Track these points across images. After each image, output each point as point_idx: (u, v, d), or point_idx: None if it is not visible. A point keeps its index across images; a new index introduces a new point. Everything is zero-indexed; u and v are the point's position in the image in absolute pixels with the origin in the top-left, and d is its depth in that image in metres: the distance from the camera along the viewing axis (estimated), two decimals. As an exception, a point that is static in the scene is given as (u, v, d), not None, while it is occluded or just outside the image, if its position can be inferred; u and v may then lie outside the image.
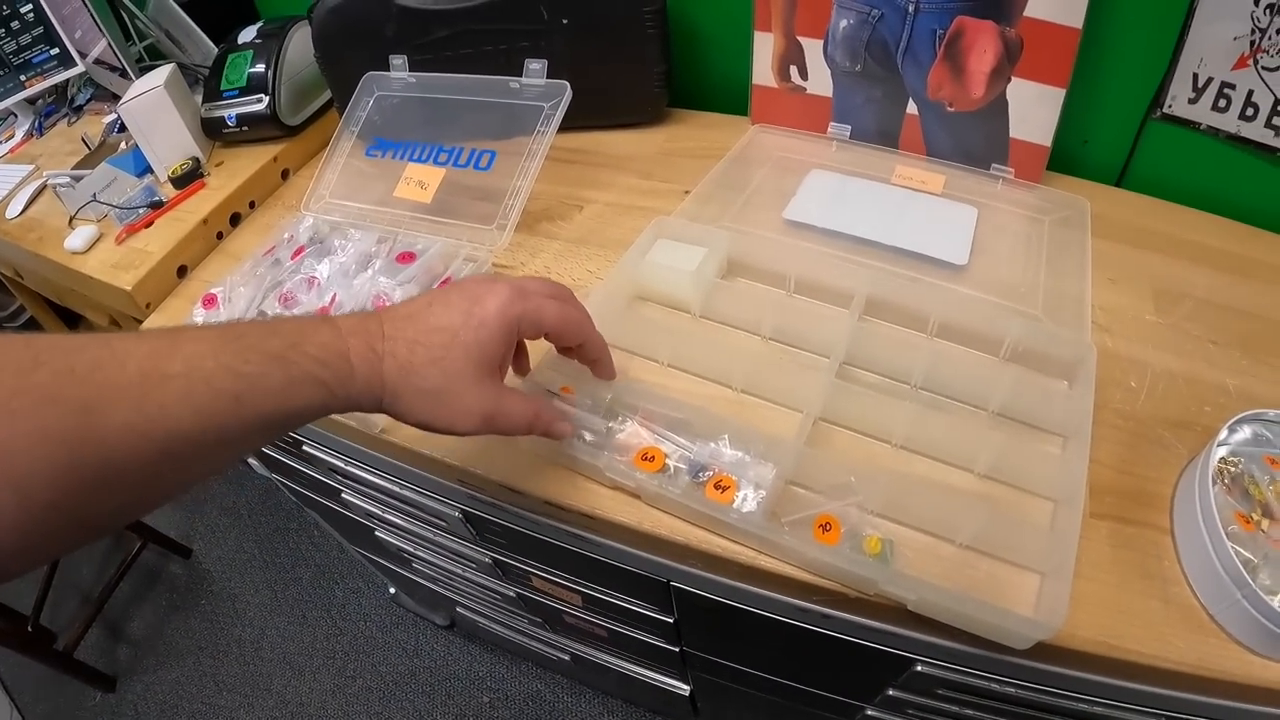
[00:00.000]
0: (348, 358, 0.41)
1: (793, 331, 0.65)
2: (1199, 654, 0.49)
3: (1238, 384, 0.64)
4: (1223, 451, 0.58)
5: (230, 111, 0.93)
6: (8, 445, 0.30)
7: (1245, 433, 0.58)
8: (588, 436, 0.57)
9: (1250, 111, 0.74)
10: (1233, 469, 0.57)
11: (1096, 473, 0.57)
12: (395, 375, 0.42)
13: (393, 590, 1.31)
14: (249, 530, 1.63)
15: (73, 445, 0.31)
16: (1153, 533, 0.54)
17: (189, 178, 0.93)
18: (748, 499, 0.54)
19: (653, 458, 0.56)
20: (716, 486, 0.54)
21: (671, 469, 0.56)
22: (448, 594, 1.07)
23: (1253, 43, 0.70)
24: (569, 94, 0.74)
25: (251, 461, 1.01)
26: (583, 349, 0.54)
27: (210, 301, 0.76)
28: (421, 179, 0.79)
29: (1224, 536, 0.49)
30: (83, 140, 1.09)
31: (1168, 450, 0.59)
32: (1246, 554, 0.51)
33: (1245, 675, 0.48)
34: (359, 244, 0.76)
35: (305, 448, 0.81)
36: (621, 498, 0.58)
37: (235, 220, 0.92)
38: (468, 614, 1.13)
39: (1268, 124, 0.74)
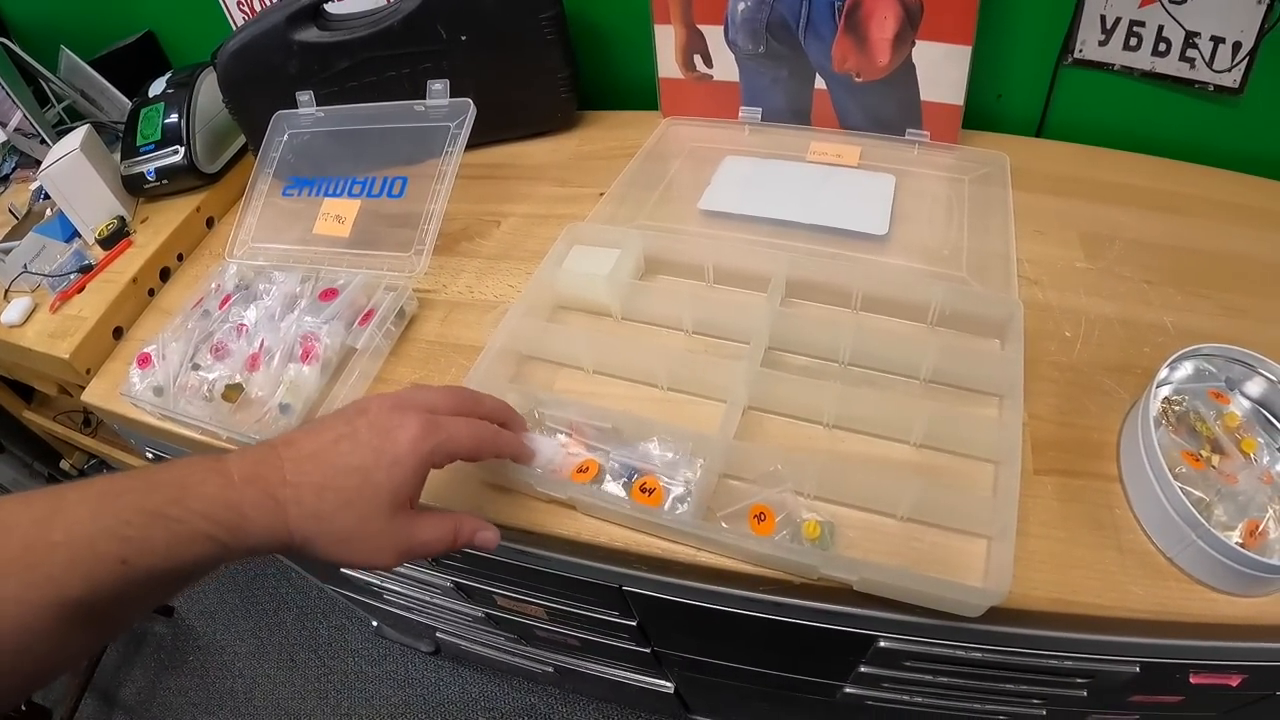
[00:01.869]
0: (240, 509, 0.38)
1: (715, 323, 0.62)
2: (1159, 599, 0.47)
3: (1175, 320, 0.62)
4: (1165, 391, 0.56)
5: (149, 166, 0.90)
6: None
7: (1187, 369, 0.57)
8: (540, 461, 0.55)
9: (1162, 47, 0.73)
10: (1177, 408, 0.55)
11: (1038, 428, 0.55)
12: (303, 522, 0.40)
13: (375, 623, 1.29)
14: (228, 580, 1.60)
15: None
16: (1101, 482, 0.53)
17: (115, 237, 0.90)
18: (680, 499, 0.52)
19: (587, 469, 0.54)
20: (643, 490, 0.52)
21: (606, 477, 0.54)
22: (425, 621, 1.05)
23: (1157, -23, 0.69)
24: (473, 111, 0.72)
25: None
26: (510, 458, 0.52)
27: (144, 361, 0.73)
28: (339, 213, 0.76)
29: (1171, 479, 0.47)
30: (10, 210, 1.06)
31: (1109, 397, 0.57)
32: (1198, 493, 0.49)
33: (1210, 614, 0.47)
34: (283, 286, 0.74)
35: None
36: (559, 510, 0.55)
37: (165, 275, 0.89)
38: (449, 638, 1.11)
39: (1182, 57, 0.73)
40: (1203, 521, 0.45)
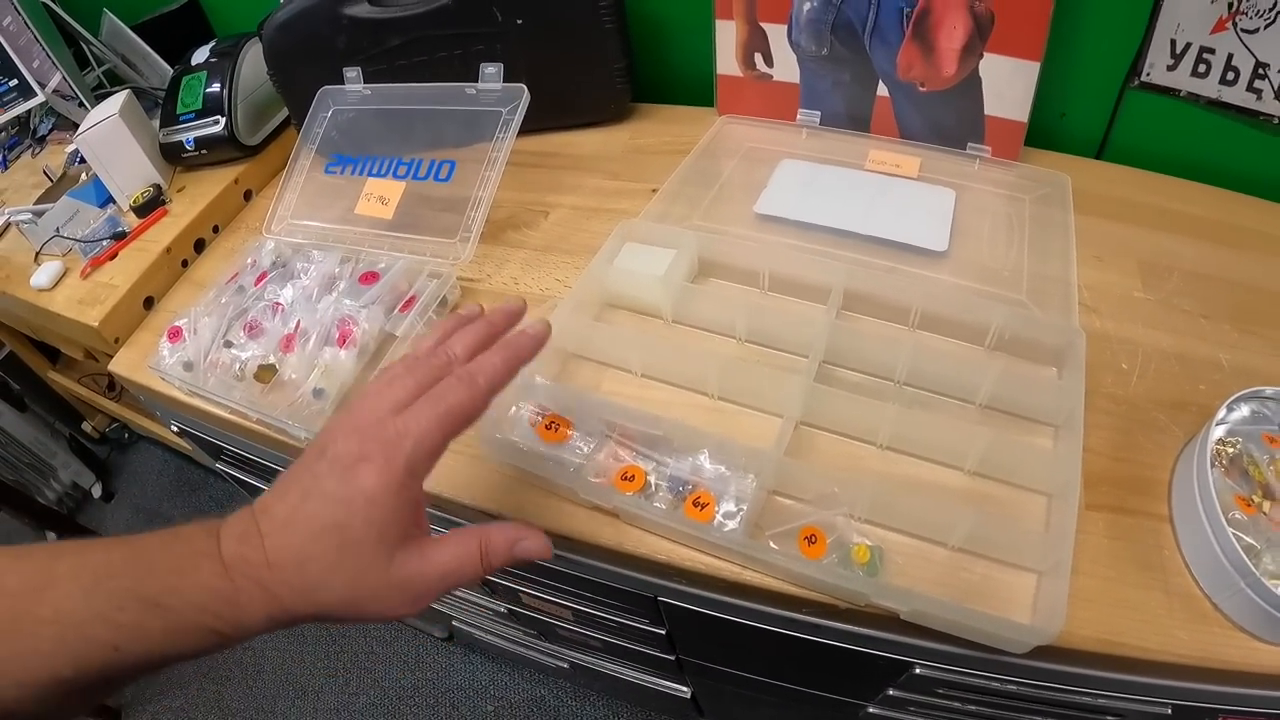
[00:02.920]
0: (236, 601, 0.36)
1: (769, 332, 0.61)
2: (1203, 645, 0.46)
3: (1231, 358, 0.61)
4: (1220, 431, 0.55)
5: (188, 135, 0.89)
6: None
7: (1243, 411, 0.55)
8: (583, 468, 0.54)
9: (1231, 76, 0.71)
10: (1231, 450, 0.54)
11: (1091, 462, 0.54)
12: (297, 603, 0.36)
13: (390, 605, 1.29)
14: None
15: None
16: (1151, 521, 0.52)
17: (151, 205, 0.89)
18: (729, 515, 0.51)
19: (632, 477, 0.53)
20: (696, 504, 0.51)
21: (652, 487, 0.53)
22: (441, 609, 1.05)
23: (1231, 5, 0.67)
24: (527, 97, 0.70)
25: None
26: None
27: (175, 334, 0.72)
28: (382, 194, 0.75)
29: (1224, 523, 0.46)
30: (44, 173, 1.05)
31: (1163, 433, 0.56)
32: (1248, 539, 0.48)
33: (1252, 663, 0.46)
34: (321, 266, 0.73)
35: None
36: (600, 517, 0.55)
37: (200, 246, 0.89)
38: (464, 627, 1.11)
39: (1249, 87, 0.71)
40: (1253, 569, 0.45)
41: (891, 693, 0.64)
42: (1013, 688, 0.56)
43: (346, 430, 0.39)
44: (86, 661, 0.33)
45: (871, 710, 0.71)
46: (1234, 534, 0.46)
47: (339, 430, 0.39)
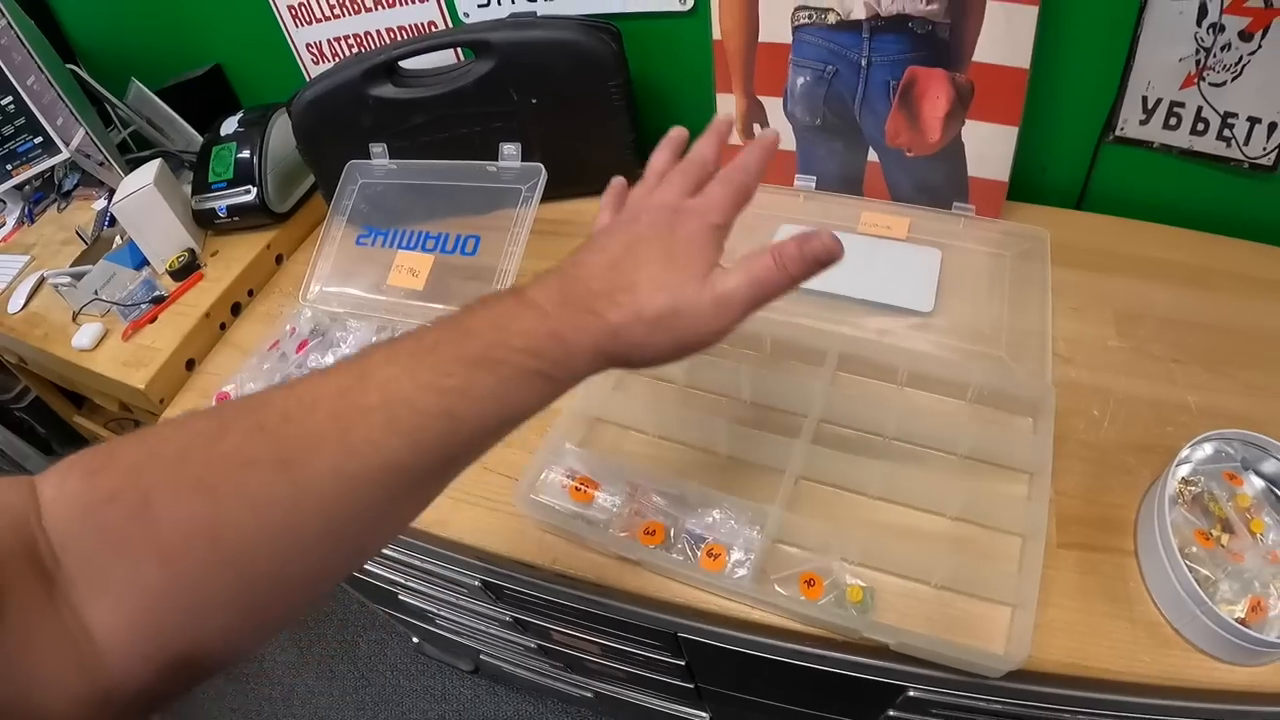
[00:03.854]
0: (562, 337, 0.39)
1: (771, 394, 0.73)
2: (1165, 666, 0.57)
3: (1199, 400, 0.71)
4: (1184, 471, 0.65)
5: (220, 203, 1.02)
6: (216, 521, 0.29)
7: (1206, 450, 0.65)
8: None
9: (1201, 127, 0.82)
10: (1193, 488, 0.64)
11: (1063, 504, 0.65)
12: (626, 322, 0.40)
13: (416, 640, 1.40)
14: (269, 589, 1.71)
15: (284, 504, 0.31)
16: (1118, 556, 0.62)
17: (186, 270, 1.02)
18: (739, 563, 0.63)
19: (654, 532, 0.65)
20: (710, 555, 0.63)
21: (671, 539, 0.65)
22: (470, 644, 1.17)
23: (1198, 62, 0.78)
24: (544, 176, 0.83)
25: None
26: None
27: (223, 399, 0.85)
28: (412, 266, 0.88)
29: (1180, 558, 0.56)
30: (77, 233, 1.18)
31: (1131, 475, 0.67)
32: (1205, 571, 0.58)
33: (1211, 681, 0.56)
34: (359, 334, 0.85)
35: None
36: (626, 565, 0.66)
37: (236, 310, 1.01)
38: (491, 660, 1.23)
39: (1219, 136, 0.82)
40: (1206, 599, 0.55)
41: (891, 714, 0.76)
42: (997, 707, 0.67)
43: (652, 206, 0.46)
44: (422, 437, 0.34)
45: (877, 731, 0.83)
46: (1191, 566, 0.57)
47: (637, 209, 0.47)
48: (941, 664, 0.60)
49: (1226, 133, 0.81)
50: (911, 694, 0.69)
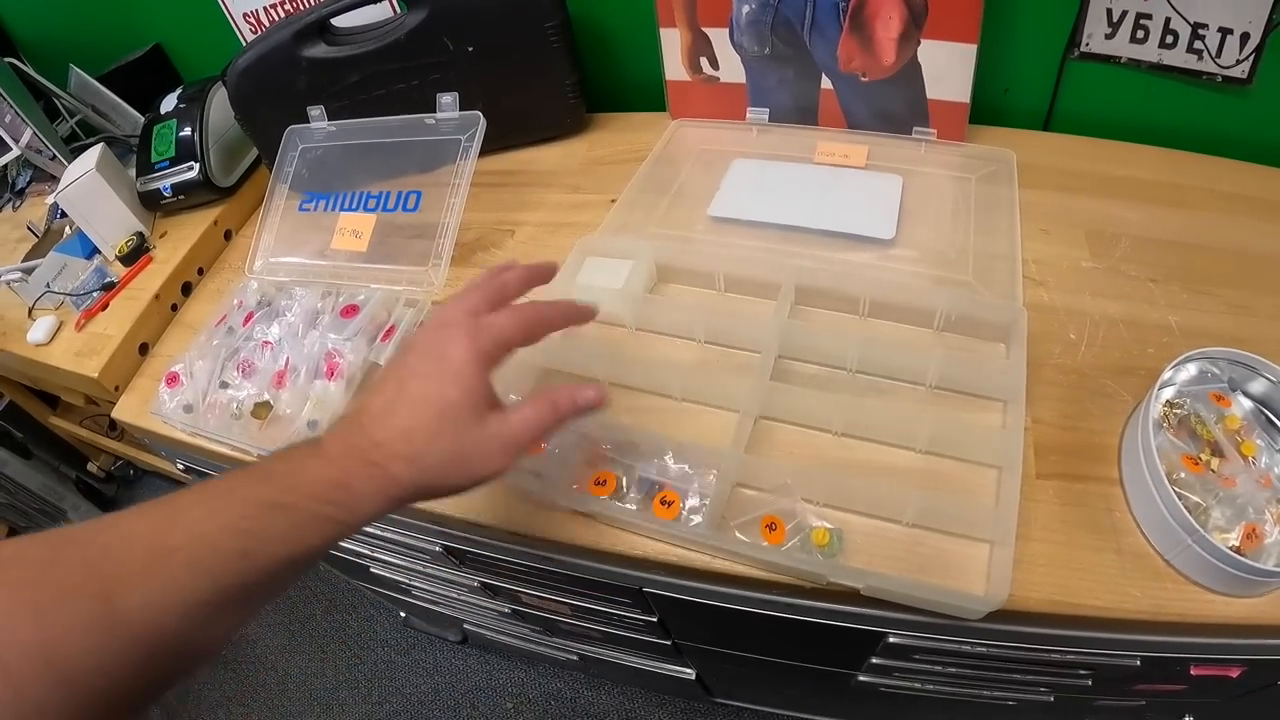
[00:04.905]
0: (348, 485, 0.41)
1: (726, 332, 0.66)
2: (1156, 600, 0.50)
3: (1180, 320, 0.65)
4: (1167, 394, 0.58)
5: (165, 182, 0.94)
6: (49, 643, 0.31)
7: (1190, 370, 0.59)
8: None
9: (1170, 39, 0.75)
10: (1179, 411, 0.57)
11: (1040, 432, 0.58)
12: (406, 470, 0.42)
13: (403, 614, 1.35)
14: (256, 577, 1.66)
15: (103, 632, 0.33)
16: (1102, 485, 0.56)
17: (136, 254, 0.95)
18: (694, 510, 0.56)
19: (604, 481, 0.58)
20: (663, 502, 0.56)
21: (624, 489, 0.58)
22: (453, 614, 1.11)
23: (1164, -31, 0.70)
24: (483, 124, 0.75)
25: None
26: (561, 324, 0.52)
27: (173, 379, 0.78)
28: (355, 228, 0.80)
29: (1168, 485, 0.50)
30: (29, 228, 1.10)
31: (1112, 399, 0.60)
32: (1195, 498, 0.52)
33: (1207, 614, 0.50)
34: (304, 302, 0.78)
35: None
36: (580, 520, 0.60)
37: (187, 290, 0.94)
38: (476, 629, 1.17)
39: (1189, 49, 0.74)
40: (1198, 527, 0.48)
41: (874, 661, 0.69)
42: (982, 649, 0.61)
43: (432, 327, 0.46)
44: (222, 575, 0.36)
45: (862, 679, 0.76)
46: (1180, 493, 0.50)
47: (424, 330, 0.47)
48: (918, 608, 0.53)
49: (1197, 44, 0.74)
50: (892, 640, 0.62)
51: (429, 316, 0.52)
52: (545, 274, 0.53)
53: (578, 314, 0.52)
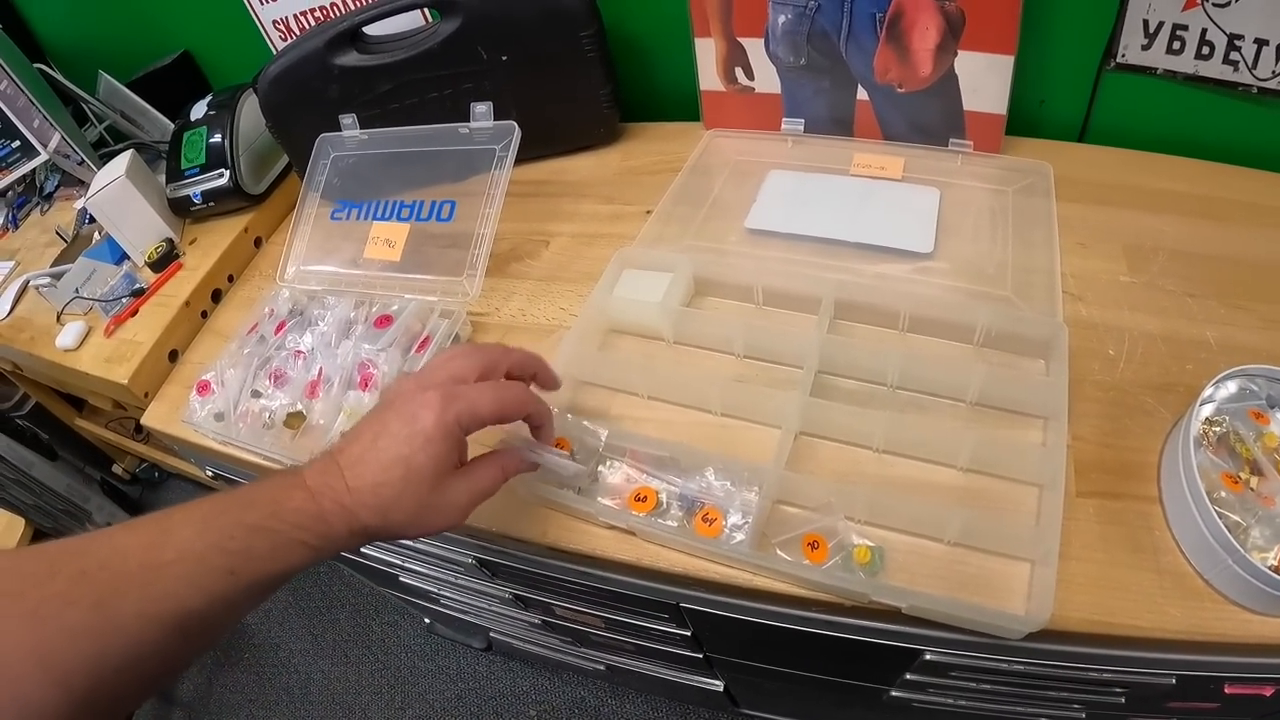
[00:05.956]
0: (324, 518, 0.45)
1: (765, 347, 0.66)
2: (1196, 620, 0.50)
3: (1217, 335, 0.64)
4: (1207, 411, 0.58)
5: (195, 189, 0.95)
6: (44, 647, 0.35)
7: (1230, 388, 0.59)
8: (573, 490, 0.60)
9: (1206, 50, 0.74)
10: (1218, 428, 0.57)
11: (1081, 450, 0.58)
12: (372, 519, 0.46)
13: (428, 621, 1.36)
14: (281, 581, 1.67)
15: (96, 637, 0.36)
16: (1141, 504, 0.56)
17: (165, 260, 0.96)
18: (736, 527, 0.56)
19: (645, 498, 0.58)
20: (705, 519, 0.56)
21: (664, 505, 0.59)
22: (479, 622, 1.11)
23: (1201, -19, 0.70)
24: (518, 134, 0.75)
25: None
26: (529, 417, 0.55)
27: (204, 388, 0.78)
28: (388, 237, 0.81)
29: (1208, 504, 0.50)
30: (57, 233, 1.11)
31: (1151, 417, 0.60)
32: (1235, 517, 0.52)
33: (1246, 635, 0.50)
34: (337, 311, 0.79)
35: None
36: (619, 535, 0.60)
37: (216, 296, 0.95)
38: (502, 637, 1.18)
39: (1225, 60, 0.74)
40: (1238, 547, 0.48)
41: (909, 677, 0.69)
42: (1019, 667, 0.61)
43: (414, 385, 0.49)
44: (210, 589, 0.40)
45: (894, 694, 0.76)
46: (1220, 512, 0.50)
47: (406, 385, 0.50)
48: (959, 626, 0.53)
49: (1234, 56, 0.73)
50: (929, 657, 0.62)
51: (415, 370, 0.55)
52: (547, 379, 0.58)
53: (549, 416, 0.56)
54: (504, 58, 0.82)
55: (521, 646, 1.20)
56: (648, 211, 0.81)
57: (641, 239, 0.77)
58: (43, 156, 1.14)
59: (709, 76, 0.84)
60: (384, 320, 0.76)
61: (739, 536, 0.55)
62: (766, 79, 0.82)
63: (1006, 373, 0.63)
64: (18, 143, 1.15)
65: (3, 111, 1.12)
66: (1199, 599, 0.51)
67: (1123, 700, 0.64)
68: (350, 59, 0.83)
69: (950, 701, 0.74)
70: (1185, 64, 0.76)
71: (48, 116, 1.09)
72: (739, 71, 0.83)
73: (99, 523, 1.78)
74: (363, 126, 0.85)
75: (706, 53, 0.82)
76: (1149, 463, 0.58)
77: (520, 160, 0.77)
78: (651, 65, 0.95)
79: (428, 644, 1.50)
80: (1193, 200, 0.75)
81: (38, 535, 1.31)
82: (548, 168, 0.92)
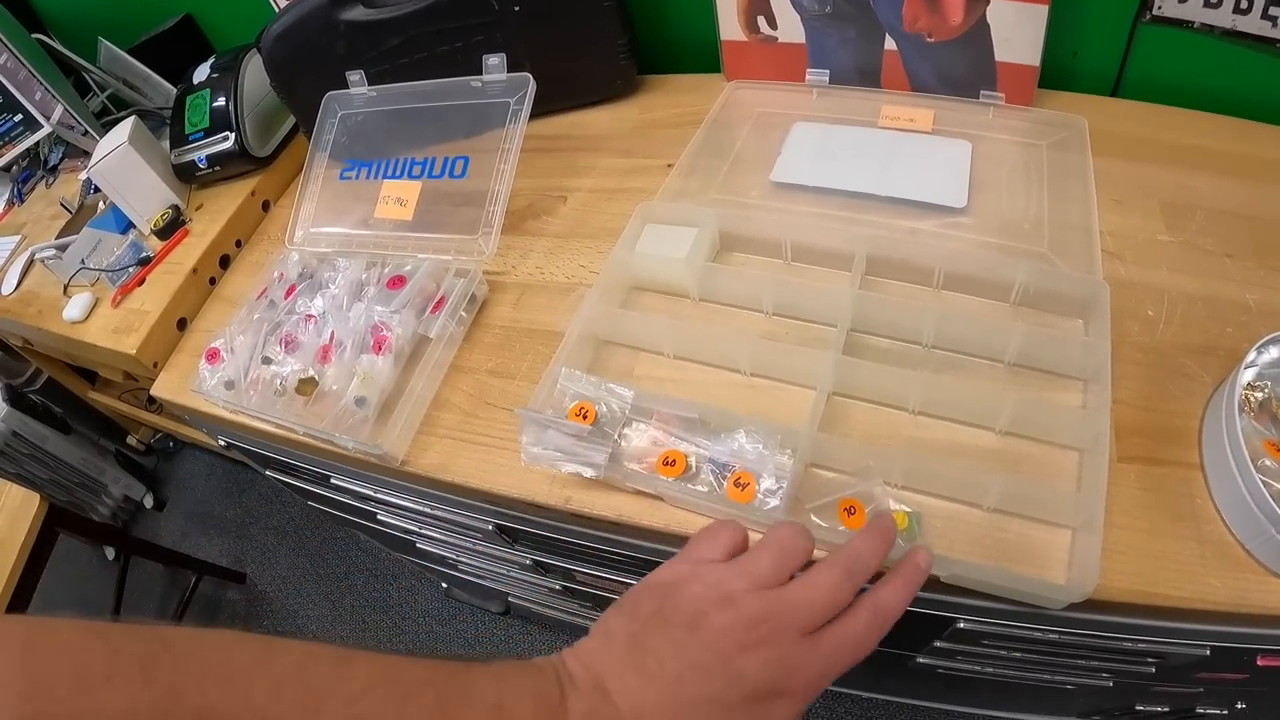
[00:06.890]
0: None
1: (795, 304, 0.63)
2: (1237, 591, 0.47)
3: (1257, 298, 0.61)
4: (1249, 375, 0.55)
5: (199, 154, 0.91)
6: None
7: (1272, 353, 0.55)
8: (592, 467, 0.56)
9: (1245, 4, 0.70)
10: (1259, 394, 0.54)
11: (1120, 413, 0.55)
12: None
13: (445, 585, 1.34)
14: (298, 546, 1.65)
15: None
16: (1183, 470, 0.52)
17: (171, 227, 0.91)
18: (770, 492, 0.53)
19: (674, 462, 0.55)
20: (737, 484, 0.53)
21: (694, 469, 0.55)
22: (497, 587, 1.09)
23: (1242, -68, 0.65)
24: (533, 86, 0.71)
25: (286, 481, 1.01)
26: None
27: (213, 355, 0.75)
28: (400, 196, 0.76)
29: (1253, 471, 0.47)
30: (62, 204, 1.07)
31: (1192, 380, 0.57)
32: (1278, 485, 0.48)
33: None
34: (348, 273, 0.75)
35: (333, 480, 0.81)
36: (645, 500, 0.57)
37: (225, 262, 0.91)
38: (520, 602, 1.16)
39: (1264, 15, 0.70)
40: None
41: (938, 644, 0.67)
42: (1053, 636, 0.58)
43: (754, 639, 0.34)
44: None
45: (920, 660, 0.74)
46: (1264, 480, 0.47)
47: (744, 630, 0.34)
48: (998, 595, 0.50)
49: (1273, 11, 0.68)
50: (961, 625, 0.60)
51: (693, 580, 0.37)
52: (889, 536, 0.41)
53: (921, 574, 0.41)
54: (516, 8, 0.77)
55: (540, 611, 1.17)
56: (669, 165, 0.77)
57: (663, 193, 0.73)
58: (46, 129, 1.10)
59: (730, 26, 0.79)
60: (397, 281, 0.72)
61: (773, 502, 0.52)
62: (790, 28, 0.77)
63: (1046, 332, 0.59)
64: (20, 116, 1.11)
65: (4, 85, 1.07)
66: (1240, 570, 0.48)
67: (1153, 670, 0.62)
68: (356, 13, 0.79)
69: (977, 668, 0.72)
70: (1223, 18, 0.71)
71: (49, 88, 1.04)
72: (761, 20, 0.78)
73: (115, 495, 1.75)
74: (371, 83, 0.80)
75: (728, 1, 0.77)
76: (1190, 428, 0.54)
77: (534, 115, 0.72)
78: (669, 14, 0.89)
79: (445, 609, 1.48)
80: (1229, 158, 0.70)
81: (53, 510, 1.28)
82: (563, 122, 0.87)
